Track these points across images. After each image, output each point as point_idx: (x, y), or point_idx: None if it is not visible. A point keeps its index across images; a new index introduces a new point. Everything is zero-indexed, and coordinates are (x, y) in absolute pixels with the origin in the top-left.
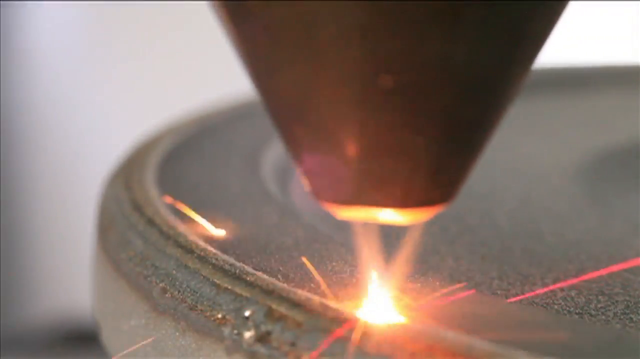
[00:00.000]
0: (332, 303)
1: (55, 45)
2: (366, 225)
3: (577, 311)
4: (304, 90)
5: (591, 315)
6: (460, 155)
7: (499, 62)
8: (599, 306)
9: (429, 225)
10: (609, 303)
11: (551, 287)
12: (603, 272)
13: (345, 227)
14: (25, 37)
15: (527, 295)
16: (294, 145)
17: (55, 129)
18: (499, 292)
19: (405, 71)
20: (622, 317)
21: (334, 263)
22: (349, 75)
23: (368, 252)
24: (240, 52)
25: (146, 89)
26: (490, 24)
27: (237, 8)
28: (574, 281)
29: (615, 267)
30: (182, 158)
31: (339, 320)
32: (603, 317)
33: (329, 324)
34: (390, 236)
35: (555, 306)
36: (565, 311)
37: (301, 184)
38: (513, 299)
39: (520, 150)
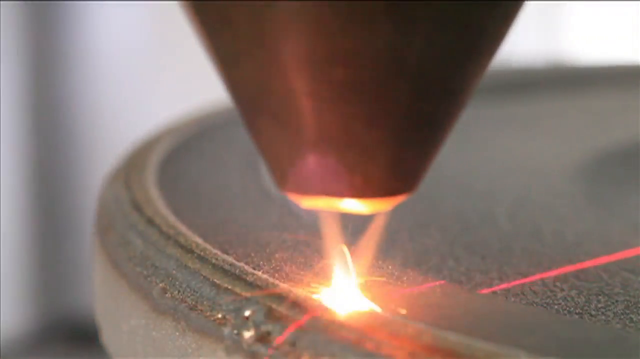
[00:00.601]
0: (292, 292)
1: (119, 45)
2: (331, 214)
3: (577, 311)
4: (261, 82)
5: (591, 315)
6: (418, 147)
7: (450, 58)
8: (599, 306)
9: (429, 225)
10: (609, 303)
11: (524, 280)
12: (578, 266)
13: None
14: (88, 37)
15: (498, 287)
16: (256, 136)
17: (118, 129)
18: (499, 292)
19: (356, 65)
20: (622, 317)
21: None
22: (302, 68)
23: (333, 242)
24: (205, 48)
25: (211, 89)
26: (441, 20)
27: (199, 5)
28: (548, 274)
29: (589, 263)
30: (182, 158)
31: (302, 309)
32: (603, 317)
33: (292, 312)
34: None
35: (556, 306)
36: (565, 311)
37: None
38: (484, 291)
39: (520, 150)
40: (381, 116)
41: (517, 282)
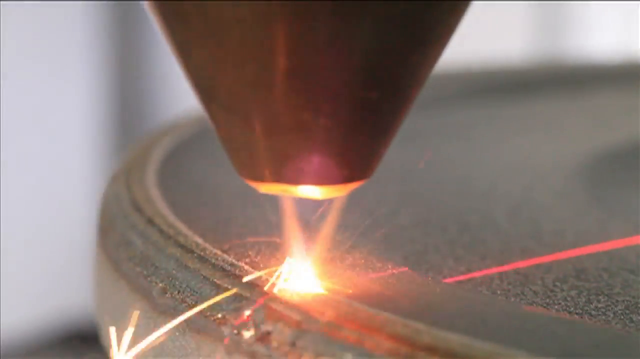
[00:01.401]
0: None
1: None
2: (289, 200)
3: (577, 311)
4: (212, 72)
5: (591, 315)
6: (367, 136)
7: (394, 49)
8: (599, 306)
9: (429, 225)
10: (609, 303)
11: (489, 271)
12: (552, 258)
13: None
14: None
15: (464, 277)
16: (213, 124)
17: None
18: (499, 292)
19: (300, 55)
20: (622, 317)
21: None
22: (248, 58)
23: (292, 225)
24: (164, 39)
25: None
26: (383, 14)
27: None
28: (511, 266)
29: (568, 253)
30: (182, 158)
31: (257, 291)
32: (603, 317)
33: (251, 294)
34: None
35: (556, 306)
36: (565, 311)
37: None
38: (448, 280)
39: (520, 150)
40: (327, 105)
41: (483, 272)
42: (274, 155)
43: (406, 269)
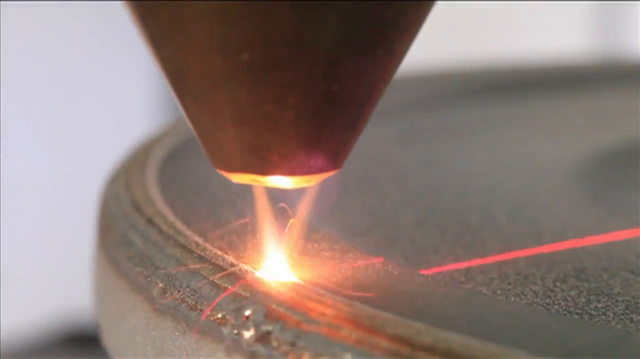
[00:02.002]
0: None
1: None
2: (261, 189)
3: (577, 311)
4: (180, 64)
5: (591, 315)
6: (333, 127)
7: (356, 44)
8: (599, 306)
9: (429, 225)
10: (609, 303)
11: (465, 264)
12: (523, 253)
13: (345, 227)
14: None
15: (440, 269)
16: (186, 116)
17: None
18: (499, 292)
19: (262, 48)
20: (622, 317)
21: (337, 262)
22: (212, 51)
23: (266, 214)
24: (137, 30)
25: None
26: (344, 10)
27: None
28: (490, 259)
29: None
30: (182, 158)
31: (232, 277)
32: (603, 317)
33: (225, 281)
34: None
35: (556, 306)
36: (565, 311)
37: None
38: (425, 271)
39: (520, 149)
40: (291, 97)
41: (460, 265)
42: (242, 146)
43: (382, 259)
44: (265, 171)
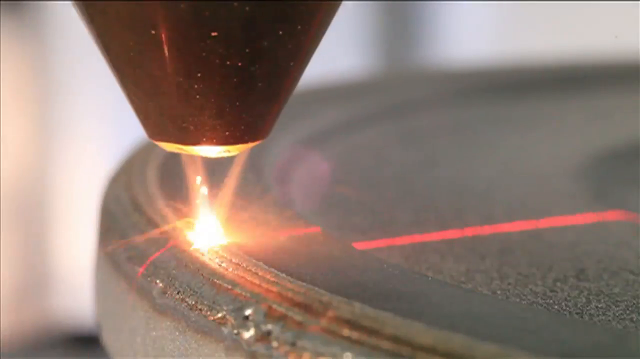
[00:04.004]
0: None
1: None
2: (192, 158)
3: (577, 311)
4: (105, 41)
5: (591, 315)
6: (247, 101)
7: (258, 20)
8: (599, 306)
9: (429, 224)
10: (609, 303)
11: (408, 239)
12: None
13: (344, 228)
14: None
15: (376, 244)
16: (123, 91)
17: None
18: (499, 292)
19: (166, 25)
20: (622, 317)
21: (335, 260)
22: (125, 28)
23: (195, 183)
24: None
25: None
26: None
27: None
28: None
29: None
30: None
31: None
32: (603, 317)
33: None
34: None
35: (556, 306)
36: (565, 311)
37: (301, 184)
38: (358, 245)
39: (520, 149)
40: (199, 71)
41: (397, 241)
42: (162, 116)
43: (319, 229)
44: (186, 141)
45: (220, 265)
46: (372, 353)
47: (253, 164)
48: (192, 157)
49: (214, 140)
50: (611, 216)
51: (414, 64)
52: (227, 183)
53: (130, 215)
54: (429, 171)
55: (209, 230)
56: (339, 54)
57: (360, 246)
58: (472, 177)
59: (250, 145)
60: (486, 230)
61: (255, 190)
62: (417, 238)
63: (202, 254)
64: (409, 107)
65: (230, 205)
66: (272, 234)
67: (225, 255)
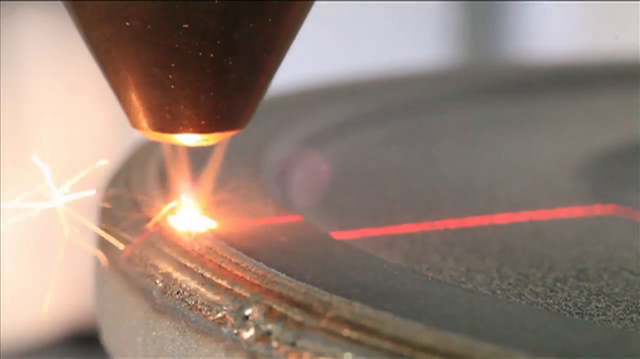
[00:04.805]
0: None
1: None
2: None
3: (577, 311)
4: (87, 34)
5: (591, 315)
6: (221, 92)
7: (229, 15)
8: (599, 306)
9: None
10: (609, 303)
11: (384, 230)
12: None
13: (343, 227)
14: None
15: (353, 234)
16: (108, 83)
17: None
18: (499, 292)
19: (140, 18)
20: (622, 317)
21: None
22: (102, 21)
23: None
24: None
25: None
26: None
27: None
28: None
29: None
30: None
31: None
32: (603, 317)
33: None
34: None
35: (556, 306)
36: (565, 311)
37: (302, 184)
38: (337, 234)
39: (520, 149)
40: (173, 61)
41: (373, 231)
42: (142, 106)
43: (301, 219)
44: (164, 129)
45: (220, 265)
46: (372, 353)
47: (253, 164)
48: (173, 146)
49: (191, 129)
50: (611, 216)
51: (487, 58)
52: (206, 174)
53: (130, 215)
54: (429, 171)
55: (204, 227)
56: (419, 47)
57: (359, 244)
58: (472, 177)
59: (228, 134)
60: (486, 230)
61: (255, 187)
62: (417, 237)
63: (202, 254)
64: (408, 108)
65: (211, 195)
66: (272, 234)
67: (226, 255)
